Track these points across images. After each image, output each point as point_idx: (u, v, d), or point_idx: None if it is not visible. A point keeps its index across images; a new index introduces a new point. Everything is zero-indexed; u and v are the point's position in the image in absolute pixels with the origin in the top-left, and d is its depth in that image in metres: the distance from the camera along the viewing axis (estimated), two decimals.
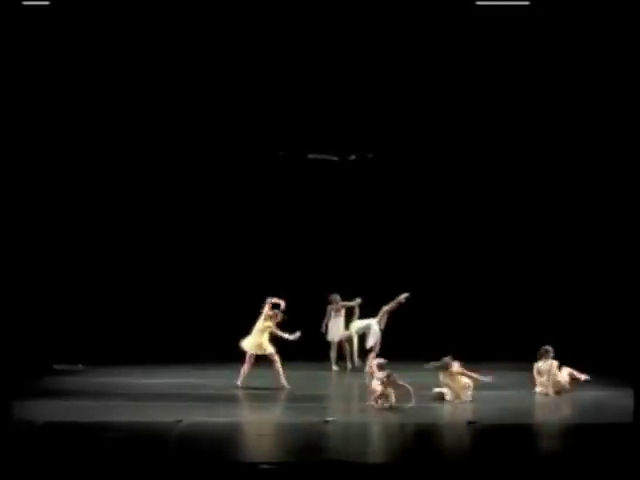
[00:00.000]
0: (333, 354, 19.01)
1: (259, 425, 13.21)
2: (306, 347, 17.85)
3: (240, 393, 15.66)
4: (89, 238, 20.55)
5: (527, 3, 16.47)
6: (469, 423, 12.83)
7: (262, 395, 15.62)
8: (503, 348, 18.31)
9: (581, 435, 12.50)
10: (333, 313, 19.08)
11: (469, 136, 20.61)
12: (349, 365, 18.93)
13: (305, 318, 18.79)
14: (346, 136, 20.98)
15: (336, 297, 19.09)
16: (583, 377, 15.62)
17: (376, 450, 11.77)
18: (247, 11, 17.85)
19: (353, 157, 21.28)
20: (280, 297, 16.62)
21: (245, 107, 20.32)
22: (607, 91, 18.33)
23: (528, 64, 18.99)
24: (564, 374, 15.62)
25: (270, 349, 16.00)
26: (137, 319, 20.27)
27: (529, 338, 17.13)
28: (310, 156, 21.19)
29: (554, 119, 19.74)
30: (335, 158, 21.20)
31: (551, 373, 15.54)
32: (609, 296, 19.12)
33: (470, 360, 15.29)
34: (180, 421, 12.62)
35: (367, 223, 21.27)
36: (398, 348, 18.44)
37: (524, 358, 16.20)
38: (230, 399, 15.11)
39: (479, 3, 16.56)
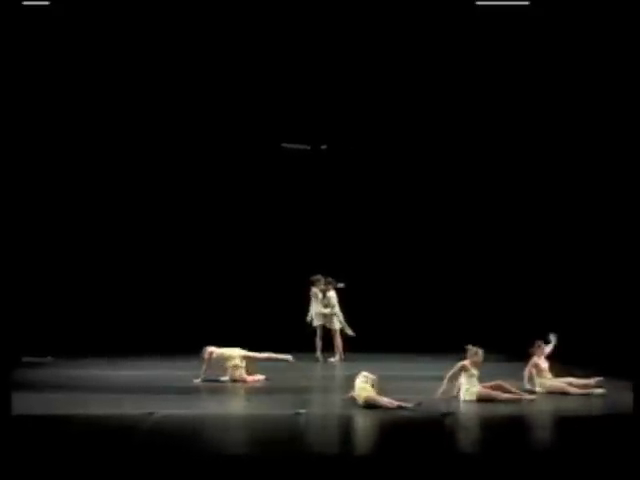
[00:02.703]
0: (319, 342, 18.80)
1: (232, 417, 13.07)
2: (289, 337, 17.85)
3: (213, 385, 15.43)
4: (53, 228, 20.43)
5: (527, 3, 16.48)
6: (443, 415, 12.53)
7: (237, 387, 15.43)
8: (499, 342, 18.25)
9: (577, 427, 12.24)
10: (318, 296, 18.79)
11: (466, 134, 20.65)
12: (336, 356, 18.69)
13: (285, 307, 19.10)
14: (324, 126, 20.93)
15: (318, 278, 18.82)
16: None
17: (345, 443, 11.57)
18: (221, 7, 17.89)
19: (325, 147, 21.16)
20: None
21: (221, 98, 20.32)
22: (607, 91, 18.33)
23: (528, 64, 19.00)
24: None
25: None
26: (105, 310, 20.26)
27: (526, 332, 17.20)
28: (284, 145, 21.07)
29: (554, 118, 19.74)
30: (307, 147, 21.11)
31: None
32: (606, 288, 19.10)
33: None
34: (152, 413, 12.43)
35: (345, 212, 21.25)
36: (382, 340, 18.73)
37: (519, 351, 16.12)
38: (203, 391, 14.98)
39: (479, 3, 16.57)
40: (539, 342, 14.97)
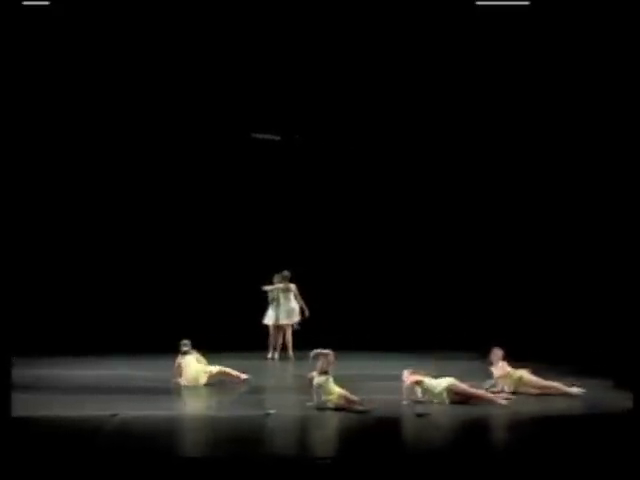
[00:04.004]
0: (290, 339, 18.56)
1: (197, 418, 12.81)
2: (248, 335, 17.84)
3: (177, 385, 15.07)
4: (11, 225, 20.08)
5: (527, 3, 16.46)
6: (418, 415, 12.32)
7: (201, 387, 15.04)
8: (474, 340, 18.10)
9: (571, 427, 12.00)
10: (282, 294, 18.53)
11: (464, 133, 20.63)
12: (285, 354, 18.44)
13: (247, 304, 18.77)
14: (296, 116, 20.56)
15: (285, 274, 18.53)
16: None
17: (314, 445, 11.38)
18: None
19: (298, 137, 20.69)
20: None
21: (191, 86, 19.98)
22: (607, 91, 18.31)
23: (528, 64, 19.00)
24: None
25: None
26: (66, 307, 19.86)
27: (501, 330, 17.20)
28: (253, 135, 20.61)
29: (554, 119, 19.74)
30: (278, 138, 20.61)
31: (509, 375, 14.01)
32: (598, 287, 19.05)
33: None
34: (115, 415, 12.16)
35: (319, 206, 21.00)
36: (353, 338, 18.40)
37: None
38: (167, 392, 14.62)
39: (479, 3, 16.55)
40: (494, 350, 14.31)
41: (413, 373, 13.43)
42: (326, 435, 11.94)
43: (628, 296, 12.38)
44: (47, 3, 16.19)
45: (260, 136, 20.69)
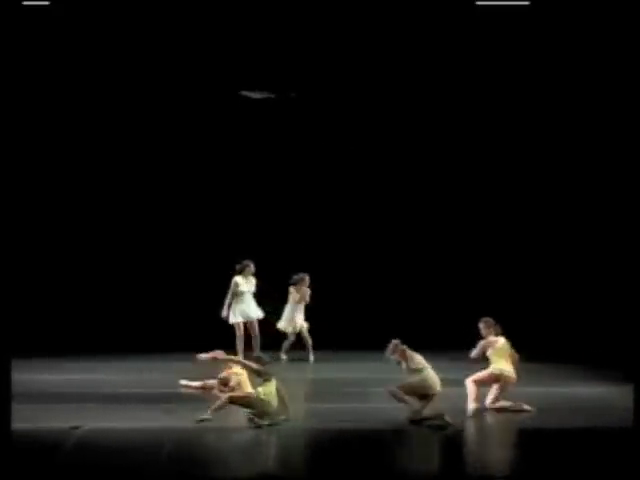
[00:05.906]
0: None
1: (175, 431, 11.20)
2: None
3: (151, 392, 13.54)
4: None
5: (527, 3, 16.49)
6: (439, 429, 11.72)
7: (180, 395, 13.43)
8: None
9: (570, 441, 11.41)
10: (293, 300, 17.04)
11: (465, 135, 20.58)
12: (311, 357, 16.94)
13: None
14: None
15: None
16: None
17: (311, 461, 10.55)
18: None
19: (293, 95, 18.71)
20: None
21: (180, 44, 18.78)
22: (607, 91, 18.34)
23: (528, 64, 19.01)
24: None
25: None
26: (22, 304, 17.35)
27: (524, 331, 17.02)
28: (243, 93, 18.86)
29: (554, 118, 19.74)
30: (272, 95, 18.81)
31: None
32: (605, 285, 18.98)
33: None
34: (77, 427, 11.05)
35: (317, 179, 19.96)
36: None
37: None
38: (139, 400, 13.10)
39: (479, 3, 16.57)
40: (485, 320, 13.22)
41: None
42: (325, 451, 10.99)
43: None
44: (47, 3, 16.25)
45: (251, 95, 18.95)
